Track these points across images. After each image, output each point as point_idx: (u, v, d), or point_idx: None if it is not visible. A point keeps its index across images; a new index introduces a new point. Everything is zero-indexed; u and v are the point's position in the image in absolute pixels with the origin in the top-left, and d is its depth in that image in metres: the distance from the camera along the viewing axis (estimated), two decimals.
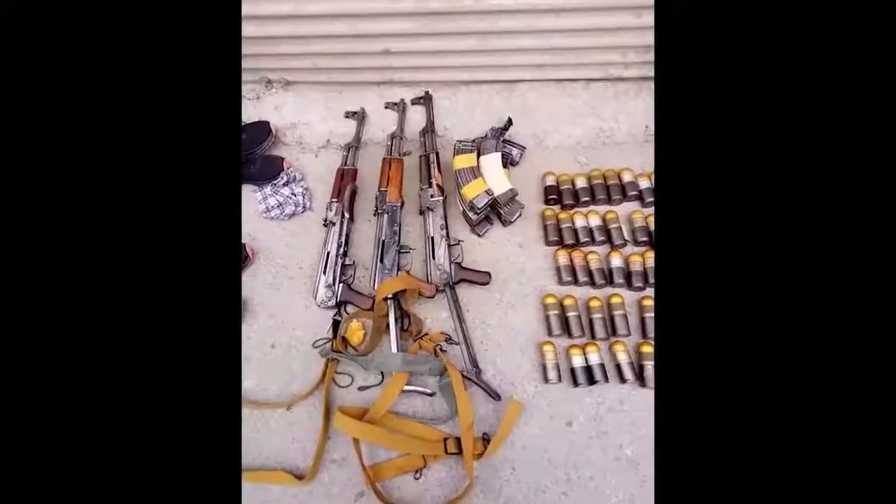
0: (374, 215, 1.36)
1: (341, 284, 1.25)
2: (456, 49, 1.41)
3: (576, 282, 1.26)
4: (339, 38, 1.39)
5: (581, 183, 1.36)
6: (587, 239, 1.30)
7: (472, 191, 1.24)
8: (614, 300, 1.21)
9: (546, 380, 1.15)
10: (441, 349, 1.17)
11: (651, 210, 1.35)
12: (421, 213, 1.36)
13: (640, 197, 1.36)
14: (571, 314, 1.20)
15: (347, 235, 1.32)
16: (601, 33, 1.36)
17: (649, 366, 1.14)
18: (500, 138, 1.37)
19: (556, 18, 1.31)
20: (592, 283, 1.25)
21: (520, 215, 1.31)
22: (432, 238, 1.29)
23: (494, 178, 1.28)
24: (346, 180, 1.38)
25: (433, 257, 1.27)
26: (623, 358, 1.15)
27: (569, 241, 1.30)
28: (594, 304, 1.21)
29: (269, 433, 1.13)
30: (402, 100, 1.53)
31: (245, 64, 1.47)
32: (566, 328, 1.21)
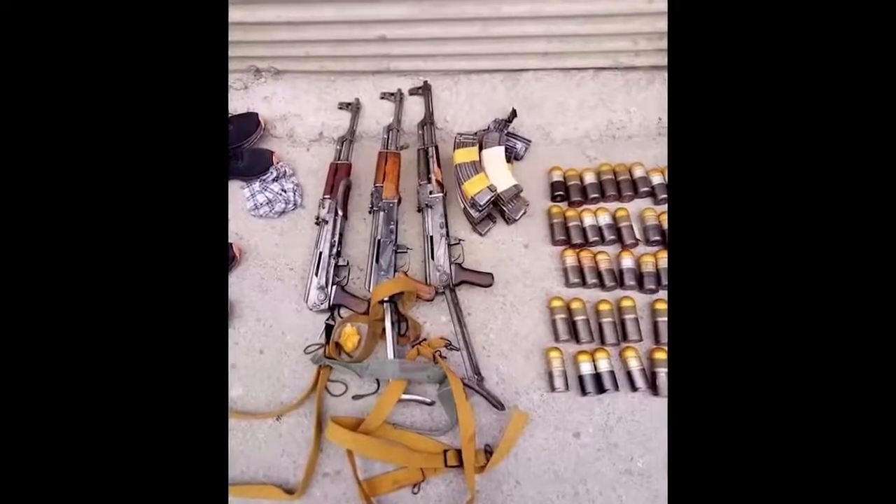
0: (370, 213, 1.36)
1: (334, 286, 1.25)
2: (456, 36, 1.41)
3: (584, 284, 1.26)
4: (331, 24, 1.39)
5: (590, 178, 1.36)
6: (596, 238, 1.30)
7: (474, 187, 1.24)
8: (625, 303, 1.21)
9: (552, 388, 1.15)
10: (441, 355, 1.17)
11: (664, 207, 1.35)
12: (419, 210, 1.36)
13: (652, 193, 1.36)
14: (579, 318, 1.20)
15: (341, 234, 1.32)
16: (611, 19, 1.36)
17: (662, 373, 1.14)
18: (503, 131, 1.37)
19: (562, 3, 1.31)
20: (602, 286, 1.25)
21: (524, 213, 1.31)
22: (431, 237, 1.29)
23: (497, 173, 1.28)
24: (339, 175, 1.38)
25: (432, 257, 1.27)
26: (634, 365, 1.15)
27: (577, 240, 1.30)
28: (604, 307, 1.21)
29: (257, 445, 1.13)
30: (400, 90, 1.53)
31: (232, 51, 1.47)
32: (574, 333, 1.20)
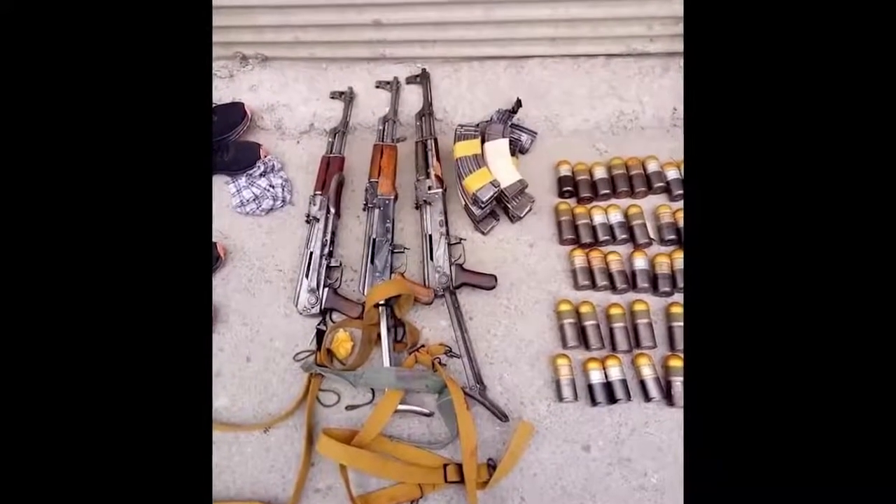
0: (364, 210, 1.36)
1: (326, 289, 1.25)
2: (457, 20, 1.41)
3: (594, 286, 1.26)
4: (323, 8, 1.39)
5: (600, 173, 1.36)
6: (607, 237, 1.30)
7: (476, 182, 1.24)
8: (638, 307, 1.21)
9: (560, 398, 1.15)
10: (440, 363, 1.17)
11: (680, 204, 1.35)
12: (417, 207, 1.36)
13: (667, 189, 1.36)
14: (589, 323, 1.20)
15: (333, 233, 1.32)
16: (623, 2, 1.36)
17: (677, 382, 1.14)
18: (507, 122, 1.37)
19: None
20: (613, 288, 1.26)
21: (530, 210, 1.31)
22: (430, 236, 1.29)
23: (501, 167, 1.28)
24: (331, 170, 1.38)
25: (431, 258, 1.27)
26: (648, 373, 1.15)
27: (586, 239, 1.30)
28: (615, 311, 1.22)
29: (243, 459, 1.13)
30: (396, 78, 1.53)
31: (216, 37, 1.47)
32: (583, 339, 1.21)
